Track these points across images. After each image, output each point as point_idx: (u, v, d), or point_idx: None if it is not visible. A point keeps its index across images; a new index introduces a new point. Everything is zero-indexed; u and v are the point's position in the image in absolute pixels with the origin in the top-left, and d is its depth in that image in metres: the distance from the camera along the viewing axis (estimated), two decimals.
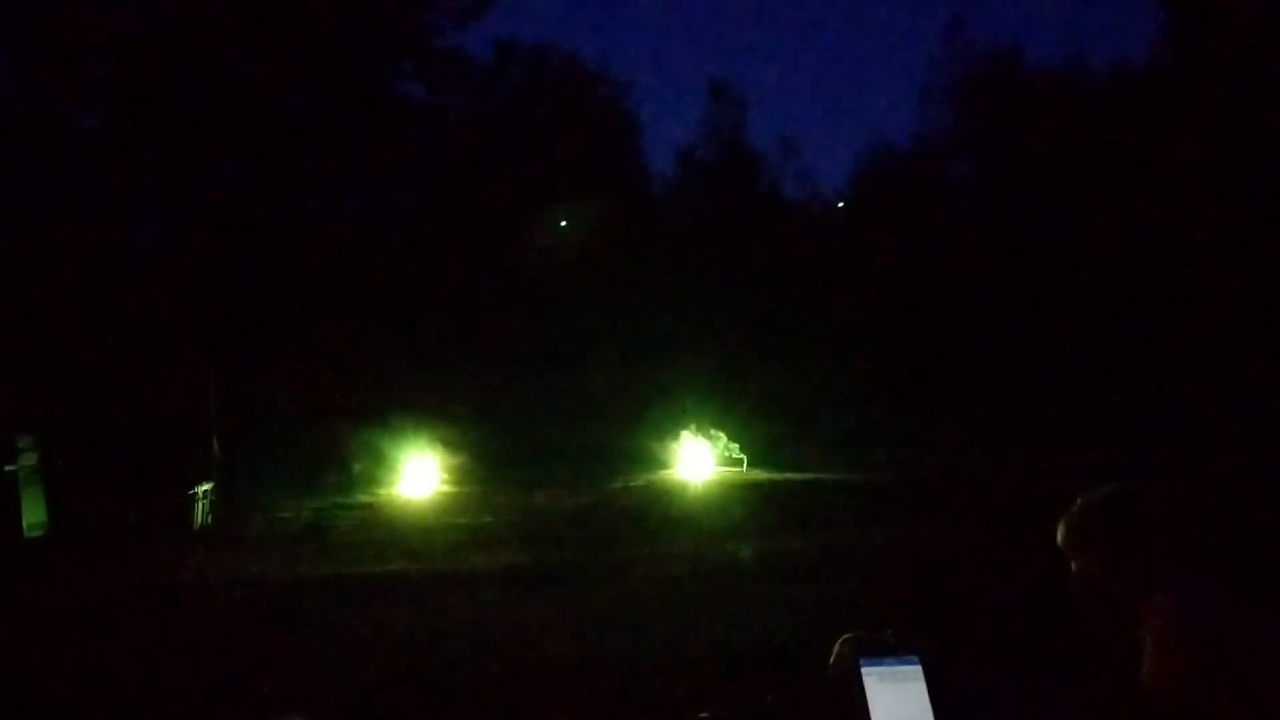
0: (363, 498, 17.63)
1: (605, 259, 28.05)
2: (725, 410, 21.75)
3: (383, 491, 18.13)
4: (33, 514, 13.05)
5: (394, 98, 28.33)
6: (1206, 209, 24.70)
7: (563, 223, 28.38)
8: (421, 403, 21.28)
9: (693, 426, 20.77)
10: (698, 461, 19.78)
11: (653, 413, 22.64)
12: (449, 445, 19.72)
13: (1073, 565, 2.17)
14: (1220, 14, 26.89)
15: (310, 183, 27.51)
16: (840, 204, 30.93)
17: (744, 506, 15.05)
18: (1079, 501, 2.18)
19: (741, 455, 20.32)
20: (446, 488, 18.40)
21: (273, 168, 26.36)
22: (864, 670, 1.87)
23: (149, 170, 24.54)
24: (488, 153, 29.91)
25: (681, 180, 35.67)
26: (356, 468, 19.40)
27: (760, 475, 19.21)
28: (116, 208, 25.04)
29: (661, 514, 14.77)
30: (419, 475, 18.41)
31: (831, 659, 2.01)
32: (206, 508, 14.72)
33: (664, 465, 20.35)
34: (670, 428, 21.20)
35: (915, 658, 1.90)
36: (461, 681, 6.27)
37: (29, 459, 13.29)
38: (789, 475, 18.91)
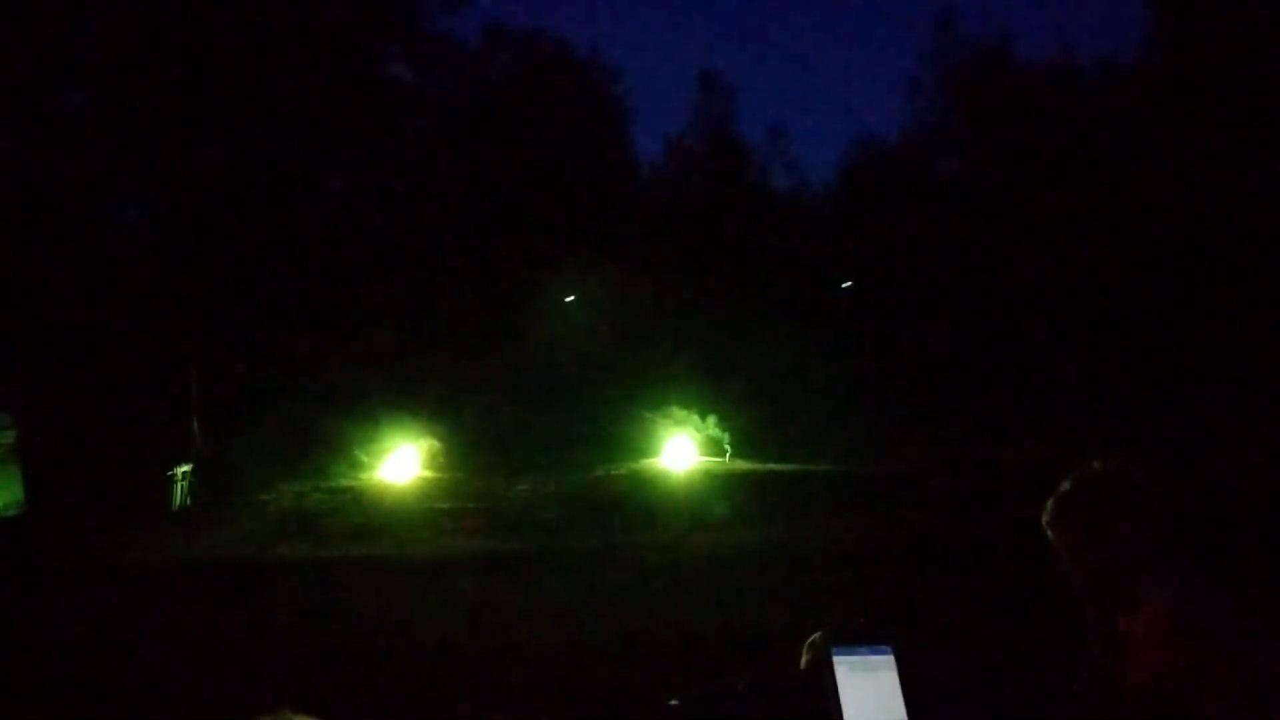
0: (344, 482, 17.56)
1: (591, 245, 27.95)
2: (709, 399, 21.71)
3: (364, 476, 18.04)
4: (9, 492, 12.97)
5: (382, 81, 28.15)
6: (1195, 203, 24.79)
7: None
8: (404, 388, 21.17)
9: (673, 415, 20.72)
10: (680, 450, 19.74)
11: (636, 401, 22.58)
12: (431, 431, 19.63)
13: (1057, 545, 2.17)
14: (1207, 10, 27.00)
15: (296, 165, 27.30)
16: (846, 284, 30.02)
17: (725, 496, 15.07)
18: (1066, 480, 2.18)
19: (728, 444, 20.29)
20: (428, 473, 18.33)
21: (258, 149, 26.15)
22: (835, 659, 1.84)
23: (133, 152, 24.28)
24: (475, 137, 29.73)
25: (669, 168, 35.59)
26: (338, 451, 19.28)
27: (743, 465, 19.20)
28: (100, 189, 24.77)
29: (642, 502, 14.79)
30: (401, 460, 18.32)
31: (802, 663, 1.99)
32: (185, 489, 14.67)
33: (646, 454, 20.30)
34: (653, 416, 21.15)
35: (888, 647, 1.87)
36: (437, 666, 6.26)
37: (6, 437, 13.21)
38: (771, 465, 18.90)
